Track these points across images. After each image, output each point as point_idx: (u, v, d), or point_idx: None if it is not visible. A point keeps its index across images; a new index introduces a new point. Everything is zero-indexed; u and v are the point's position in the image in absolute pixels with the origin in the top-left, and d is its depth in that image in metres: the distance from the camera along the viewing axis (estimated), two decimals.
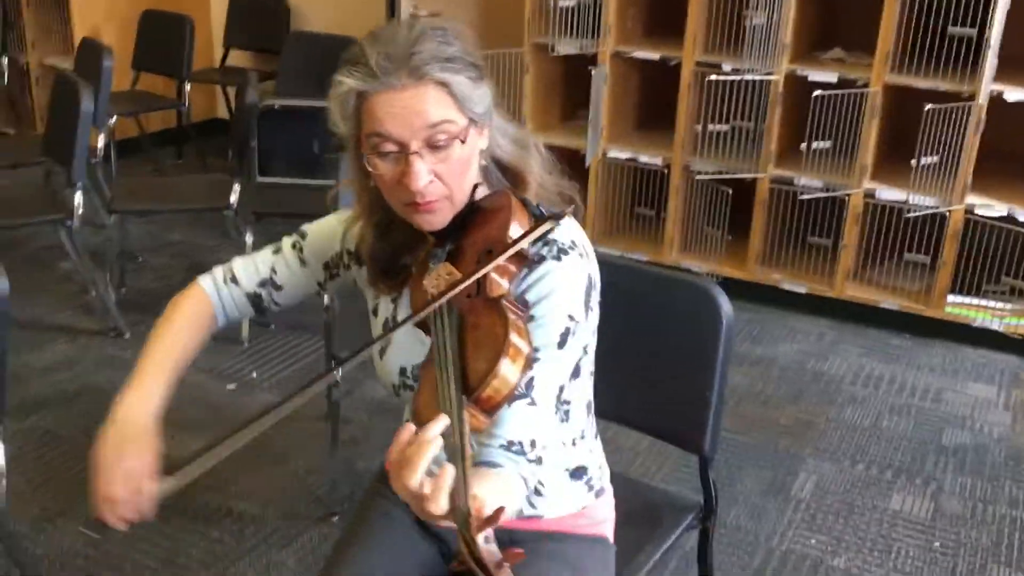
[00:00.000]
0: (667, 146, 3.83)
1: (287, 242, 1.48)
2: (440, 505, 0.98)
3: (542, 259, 1.26)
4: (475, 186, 1.28)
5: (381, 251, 1.34)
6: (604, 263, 1.73)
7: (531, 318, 1.23)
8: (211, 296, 1.46)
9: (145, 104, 5.02)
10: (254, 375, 3.15)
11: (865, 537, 2.48)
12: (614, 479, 1.80)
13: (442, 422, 1.03)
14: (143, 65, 5.05)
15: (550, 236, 1.26)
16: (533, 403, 1.21)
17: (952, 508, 2.61)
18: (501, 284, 1.20)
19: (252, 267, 1.47)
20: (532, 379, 1.21)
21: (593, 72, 3.63)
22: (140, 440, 1.29)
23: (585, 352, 1.38)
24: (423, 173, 1.20)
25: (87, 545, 2.33)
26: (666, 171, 3.85)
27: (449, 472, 0.99)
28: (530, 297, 1.24)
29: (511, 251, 1.17)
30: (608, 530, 1.53)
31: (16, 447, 2.71)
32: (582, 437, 1.47)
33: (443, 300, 1.15)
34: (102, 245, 3.89)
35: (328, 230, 1.46)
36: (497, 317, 1.15)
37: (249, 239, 3.32)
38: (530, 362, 1.14)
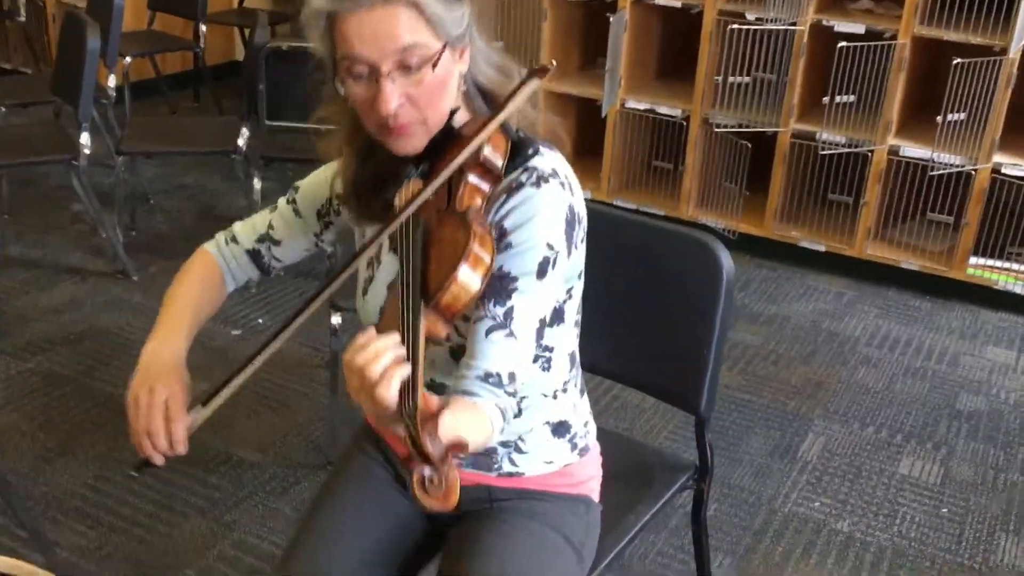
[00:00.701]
0: (686, 97, 3.73)
1: (282, 200, 1.46)
2: (390, 391, 0.97)
3: (520, 185, 1.22)
4: (453, 111, 1.24)
5: (363, 178, 1.31)
6: (602, 214, 1.70)
7: (508, 245, 1.20)
8: (216, 258, 1.46)
9: (160, 45, 4.96)
10: (260, 321, 3.13)
11: (871, 501, 2.43)
12: (609, 436, 1.76)
13: (396, 337, 1.02)
14: (159, 5, 4.98)
15: (530, 163, 1.23)
16: (512, 335, 1.18)
17: (962, 474, 2.55)
18: (473, 200, 1.18)
19: (250, 225, 1.46)
20: (511, 309, 1.18)
21: (612, 19, 3.53)
22: (169, 375, 1.29)
23: (569, 296, 1.33)
24: (394, 96, 1.17)
25: (85, 487, 2.33)
26: (685, 123, 3.76)
27: (405, 366, 0.99)
28: (507, 224, 1.21)
29: (479, 138, 1.14)
30: (593, 489, 1.49)
31: (19, 387, 2.72)
32: (564, 390, 1.42)
33: (410, 210, 1.14)
34: (113, 186, 3.87)
35: (319, 180, 1.44)
36: (461, 228, 1.13)
37: (257, 184, 3.27)
38: (489, 273, 1.12)
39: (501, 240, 1.20)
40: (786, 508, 2.40)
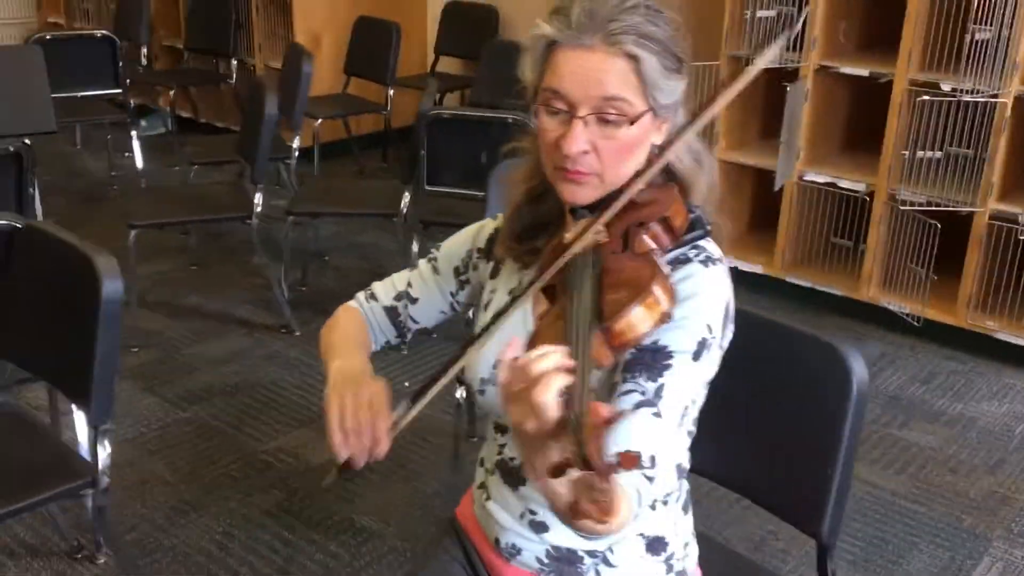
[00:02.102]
0: (871, 171, 3.48)
1: (422, 260, 1.46)
2: (546, 394, 0.89)
3: (688, 260, 1.19)
4: (636, 174, 1.18)
5: (523, 217, 1.28)
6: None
7: (667, 318, 1.11)
8: (360, 311, 1.45)
9: (350, 107, 5.17)
10: (406, 384, 3.13)
11: None
12: (724, 556, 1.61)
13: (561, 349, 0.94)
14: (354, 70, 5.21)
15: (700, 243, 1.21)
16: (658, 414, 1.11)
17: None
18: (652, 246, 1.15)
19: (389, 283, 1.46)
20: (663, 387, 1.12)
21: (789, 88, 3.34)
22: (368, 377, 1.24)
23: (693, 402, 1.21)
24: (580, 139, 1.15)
25: (212, 542, 2.37)
26: (868, 198, 3.50)
27: (564, 374, 0.91)
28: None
29: (657, 165, 1.13)
30: None
31: (172, 436, 2.83)
32: (664, 503, 1.30)
33: (586, 240, 1.10)
34: (297, 241, 4.03)
35: (461, 239, 1.43)
36: (645, 265, 1.10)
37: (415, 247, 3.31)
38: (665, 320, 1.08)
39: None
40: None
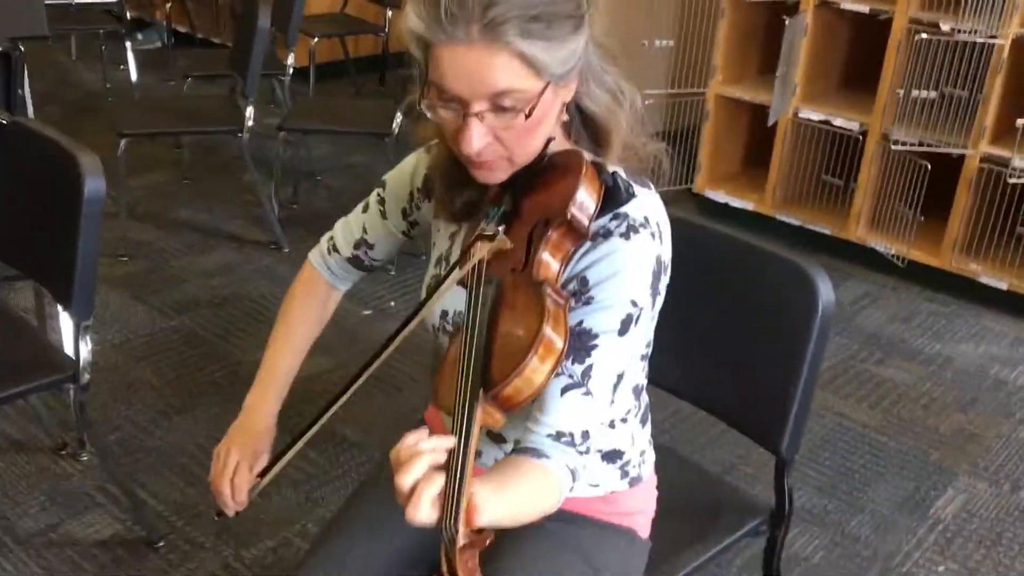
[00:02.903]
0: (866, 110, 3.47)
1: (373, 196, 1.43)
2: (420, 512, 0.92)
3: (608, 234, 1.14)
4: (549, 140, 1.15)
5: (451, 174, 1.24)
6: (695, 228, 1.57)
7: (590, 300, 1.12)
8: (321, 271, 1.49)
9: (348, 27, 5.12)
10: (392, 304, 3.16)
11: (1006, 575, 2.16)
12: (678, 463, 1.66)
13: (449, 441, 0.96)
14: None
15: (620, 210, 1.14)
16: (588, 393, 1.12)
17: None
18: (550, 265, 1.11)
19: (348, 231, 1.46)
20: (590, 368, 1.12)
21: (787, 22, 3.32)
22: (249, 442, 1.43)
23: (645, 344, 1.26)
24: (479, 136, 1.08)
25: (194, 445, 2.42)
26: (861, 138, 3.49)
27: (436, 481, 0.93)
28: (591, 277, 1.13)
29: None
30: (640, 524, 1.38)
31: (159, 343, 2.87)
32: (624, 420, 1.33)
33: (472, 266, 1.09)
34: (291, 160, 4.03)
35: (403, 173, 1.39)
36: (535, 304, 1.06)
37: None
38: (561, 359, 1.05)
39: (582, 293, 1.13)
40: (904, 568, 2.17)
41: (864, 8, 3.39)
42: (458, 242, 1.30)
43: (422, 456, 0.94)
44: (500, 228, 1.12)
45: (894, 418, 2.73)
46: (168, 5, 5.49)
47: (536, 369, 1.02)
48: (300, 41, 4.11)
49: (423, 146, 1.35)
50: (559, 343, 1.04)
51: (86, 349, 1.83)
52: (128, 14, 5.94)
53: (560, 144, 1.18)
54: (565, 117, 1.18)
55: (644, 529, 1.39)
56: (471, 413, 0.99)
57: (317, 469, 2.37)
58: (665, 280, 1.22)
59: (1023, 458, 2.58)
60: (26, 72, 4.01)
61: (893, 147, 3.39)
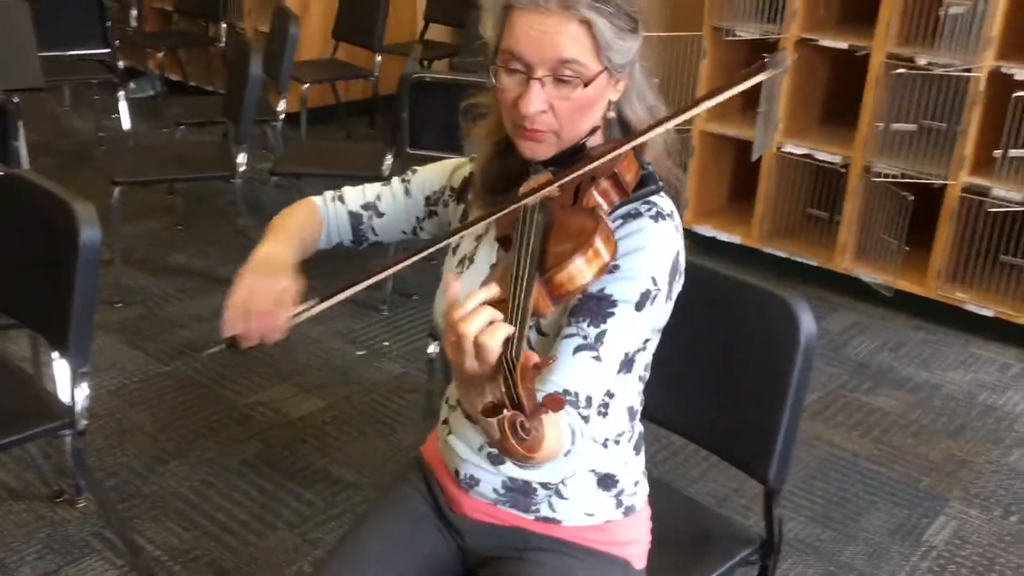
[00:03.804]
0: (848, 144, 3.53)
1: (396, 177, 1.50)
2: (492, 339, 0.96)
3: (638, 214, 1.23)
4: (592, 129, 1.26)
5: (492, 170, 1.33)
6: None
7: (615, 268, 1.19)
8: (320, 208, 1.48)
9: (338, 72, 5.19)
10: (386, 344, 3.19)
11: None
12: (669, 495, 1.68)
13: (494, 290, 1.02)
14: (342, 35, 5.23)
15: (651, 198, 1.25)
16: (599, 358, 1.18)
17: None
18: (601, 204, 1.19)
19: (360, 191, 1.50)
20: (604, 333, 1.18)
21: (767, 60, 3.37)
22: (281, 270, 1.31)
23: (643, 347, 1.29)
24: (538, 100, 1.19)
25: (190, 490, 2.43)
26: (844, 170, 3.55)
27: (504, 325, 0.98)
28: (619, 248, 1.19)
29: (626, 147, 1.18)
30: (634, 554, 1.40)
31: (153, 388, 2.89)
32: (616, 442, 1.36)
33: (538, 196, 1.16)
34: (284, 204, 4.06)
35: (438, 169, 1.48)
36: (588, 220, 1.14)
37: None
38: (606, 271, 1.13)
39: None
40: None
41: (843, 44, 3.47)
42: (484, 243, 1.35)
43: (488, 309, 0.99)
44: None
45: (885, 446, 2.75)
46: (161, 54, 5.56)
47: (581, 269, 1.09)
48: (291, 87, 4.17)
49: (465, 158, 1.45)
50: (606, 255, 1.11)
51: (82, 395, 1.85)
52: (121, 63, 6.02)
53: (597, 139, 1.28)
54: (611, 114, 1.27)
55: (639, 559, 1.41)
56: (529, 287, 1.04)
57: (312, 510, 2.38)
58: (678, 284, 1.29)
59: (1014, 484, 2.60)
60: (21, 123, 4.07)
61: (875, 179, 3.45)
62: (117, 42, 4.85)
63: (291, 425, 2.71)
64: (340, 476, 2.52)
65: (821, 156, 3.59)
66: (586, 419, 1.17)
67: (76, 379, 1.84)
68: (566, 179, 1.18)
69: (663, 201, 1.26)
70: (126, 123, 4.78)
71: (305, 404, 2.82)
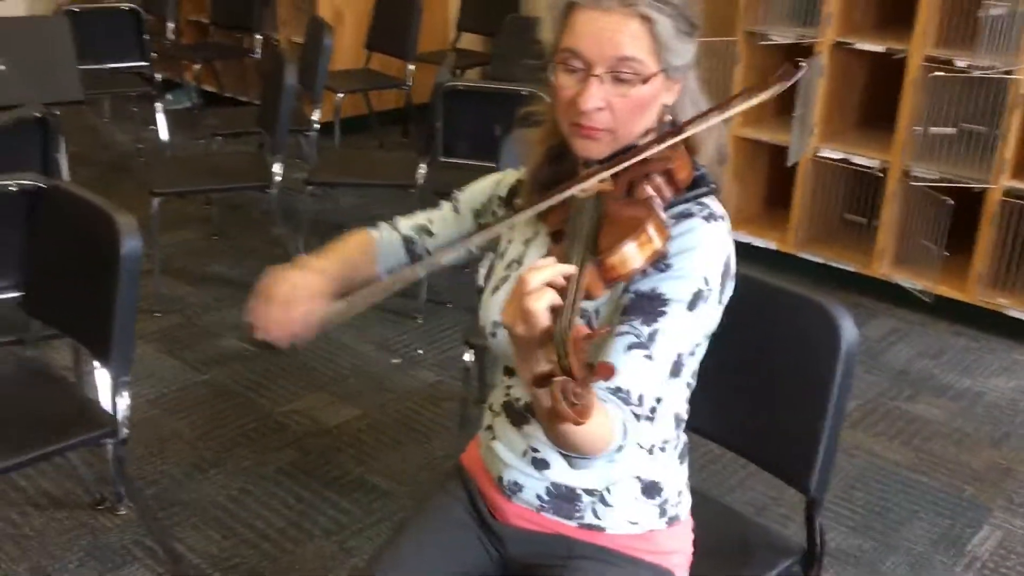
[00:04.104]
0: (885, 148, 3.49)
1: (446, 201, 1.52)
2: (537, 302, 0.99)
3: (690, 215, 1.24)
4: (646, 132, 1.27)
5: (542, 174, 1.35)
6: None
7: (668, 267, 1.20)
8: (375, 238, 1.51)
9: (372, 82, 5.22)
10: (420, 352, 3.20)
11: None
12: (709, 504, 1.66)
13: (565, 268, 1.04)
14: (375, 45, 5.25)
15: (703, 199, 1.26)
16: (650, 357, 1.18)
17: None
18: (652, 195, 1.21)
19: (411, 218, 1.53)
20: (656, 332, 1.18)
21: (803, 64, 3.35)
22: (312, 271, 1.38)
23: (692, 352, 1.28)
24: (596, 97, 1.21)
25: (228, 498, 2.45)
26: (882, 175, 3.51)
27: (554, 292, 1.01)
28: (671, 248, 1.21)
29: (677, 139, 1.20)
30: (677, 564, 1.39)
31: (191, 397, 2.91)
32: (662, 449, 1.35)
33: (590, 182, 1.18)
34: (319, 213, 4.10)
35: (484, 183, 1.49)
36: (641, 208, 1.16)
37: None
38: (657, 257, 1.14)
39: (661, 260, 1.20)
40: None
41: (880, 48, 3.43)
42: (533, 247, 1.36)
43: (551, 270, 1.02)
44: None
45: (926, 455, 2.71)
46: (197, 66, 5.62)
47: (634, 253, 1.10)
48: (325, 97, 4.20)
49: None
50: (658, 242, 1.13)
51: (124, 404, 1.87)
52: (158, 75, 6.10)
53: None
54: (663, 118, 1.27)
55: (682, 569, 1.40)
56: (583, 267, 1.06)
57: (350, 519, 2.39)
58: (729, 289, 1.29)
59: None
60: (62, 136, 4.13)
61: (914, 183, 3.41)
62: (154, 55, 4.92)
63: (327, 433, 2.73)
64: (376, 484, 2.52)
65: (858, 160, 3.56)
66: (637, 416, 1.16)
67: (117, 388, 1.86)
68: (619, 167, 1.20)
69: (715, 204, 1.27)
70: (164, 134, 4.84)
71: (341, 412, 2.84)
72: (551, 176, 1.33)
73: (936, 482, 2.59)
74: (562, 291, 1.02)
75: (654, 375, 1.18)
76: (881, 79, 3.64)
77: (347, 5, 5.40)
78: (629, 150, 1.25)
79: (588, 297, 1.09)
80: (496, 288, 1.38)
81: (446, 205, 1.50)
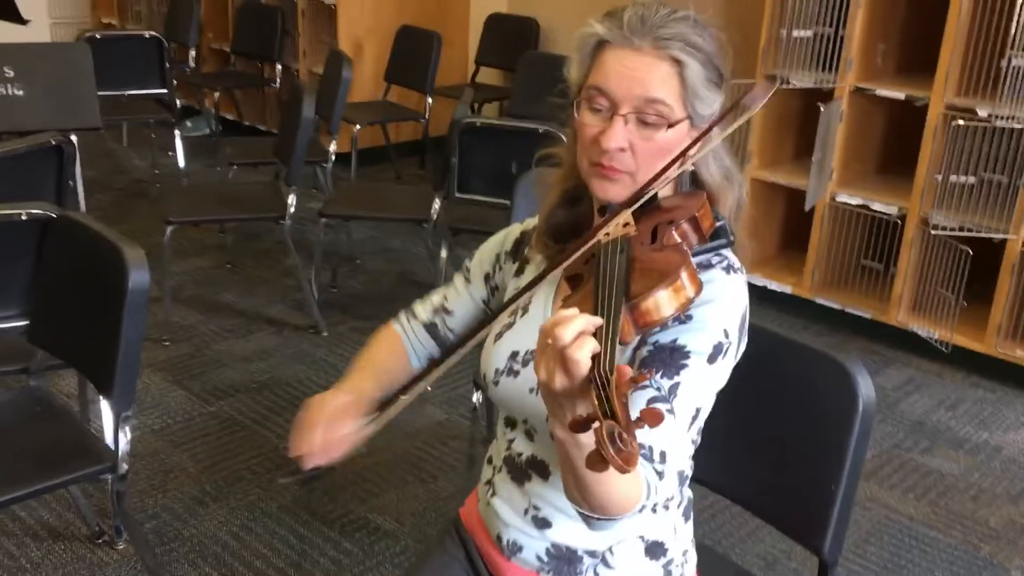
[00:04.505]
0: (904, 195, 3.46)
1: (458, 273, 1.51)
2: (580, 351, 0.93)
3: (710, 266, 1.22)
4: (662, 170, 1.23)
5: (557, 217, 1.33)
6: None
7: (688, 318, 1.18)
8: (400, 333, 1.50)
9: (390, 114, 5.24)
10: (428, 388, 3.16)
11: None
12: (719, 564, 1.61)
13: (595, 319, 0.98)
14: (394, 78, 5.27)
15: (722, 251, 1.24)
16: (672, 411, 1.14)
17: None
18: (679, 241, 1.18)
19: (427, 301, 1.51)
20: (677, 385, 1.15)
21: (822, 109, 3.34)
22: (347, 390, 1.36)
23: (700, 409, 1.23)
24: (619, 136, 1.19)
25: (229, 534, 2.41)
26: (900, 222, 3.48)
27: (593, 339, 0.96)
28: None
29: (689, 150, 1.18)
30: None
31: (197, 428, 2.88)
32: (666, 507, 1.31)
33: (615, 223, 1.14)
34: (332, 244, 4.10)
35: (490, 246, 1.47)
36: (675, 254, 1.13)
37: (444, 253, 3.34)
38: (685, 307, 1.10)
39: (681, 313, 1.16)
40: None
41: (900, 95, 3.41)
42: (540, 292, 1.31)
43: (582, 319, 0.96)
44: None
45: (942, 510, 2.65)
46: (216, 94, 5.66)
47: (667, 299, 1.07)
48: (342, 128, 4.21)
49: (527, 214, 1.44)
50: (690, 292, 1.09)
51: (125, 440, 1.84)
52: (178, 102, 6.14)
53: (668, 191, 1.27)
54: (690, 167, 1.25)
55: None
56: (617, 307, 1.02)
57: (351, 560, 2.35)
58: (744, 343, 1.26)
59: None
60: (78, 162, 4.15)
61: (933, 232, 3.37)
62: (175, 82, 4.95)
63: (331, 470, 2.69)
64: (379, 524, 2.48)
65: (876, 207, 3.52)
66: (660, 475, 1.13)
67: (119, 423, 1.83)
68: (638, 203, 1.18)
69: (733, 256, 1.25)
70: (181, 162, 4.86)
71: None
72: (566, 219, 1.31)
73: (952, 539, 2.53)
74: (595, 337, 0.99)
75: (675, 431, 1.15)
76: (901, 125, 3.62)
77: (367, 37, 5.43)
78: (651, 200, 1.23)
79: (620, 342, 1.05)
80: (500, 335, 1.35)
81: (458, 279, 1.48)
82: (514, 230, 1.45)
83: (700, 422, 1.28)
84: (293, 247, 3.55)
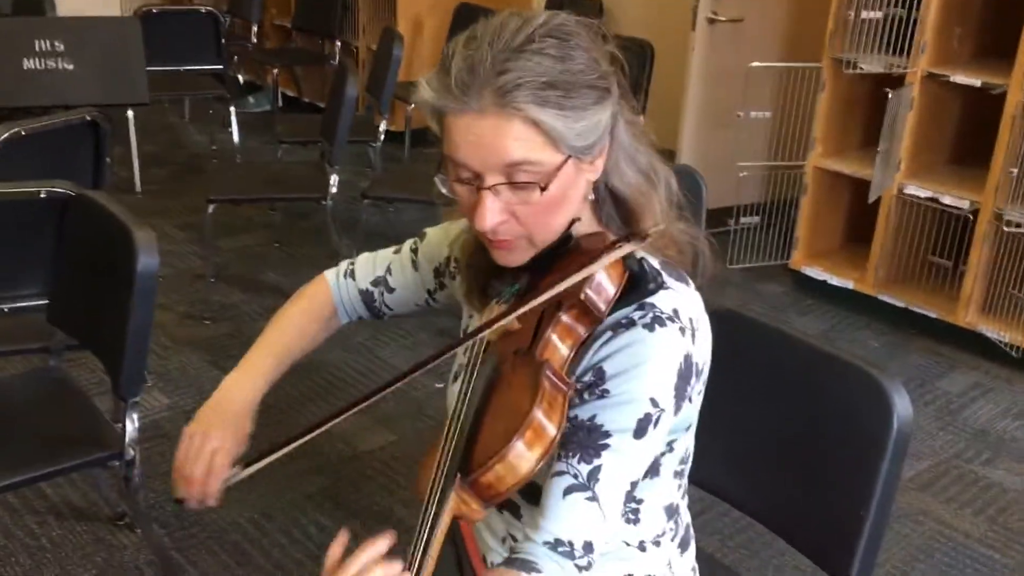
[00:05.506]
0: (977, 188, 3.25)
1: (408, 243, 1.38)
2: None
3: (631, 324, 1.04)
4: (574, 221, 1.07)
5: (479, 263, 1.17)
6: (761, 330, 1.45)
7: (605, 393, 1.02)
8: (333, 289, 1.40)
9: None
10: (437, 386, 3.08)
11: None
12: None
13: (386, 541, 0.94)
14: None
15: (647, 300, 1.05)
16: (594, 498, 1.01)
17: None
18: (557, 348, 1.03)
19: (371, 264, 1.39)
20: (598, 468, 1.02)
21: (890, 95, 3.15)
22: (229, 425, 1.28)
23: (670, 449, 1.14)
24: (493, 213, 1.02)
25: (249, 522, 2.37)
26: (972, 217, 3.27)
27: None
28: (608, 368, 1.03)
29: (543, 297, 0.99)
30: None
31: None
32: (656, 543, 1.21)
33: (476, 337, 1.06)
34: (377, 225, 4.04)
35: (443, 233, 1.33)
36: (530, 384, 0.97)
37: None
38: (551, 449, 0.96)
39: (597, 385, 1.03)
40: None
41: (976, 82, 3.20)
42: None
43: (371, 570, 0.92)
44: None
45: (1001, 528, 2.48)
46: (276, 71, 5.65)
47: (522, 455, 0.94)
48: (397, 107, 4.14)
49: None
50: (551, 431, 0.96)
51: (132, 427, 1.80)
52: (241, 78, 6.16)
53: (589, 227, 1.10)
54: (592, 196, 1.09)
55: None
56: (442, 499, 0.94)
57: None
58: (698, 386, 1.11)
59: None
60: (132, 134, 4.16)
61: (1006, 228, 3.17)
62: (236, 57, 4.94)
63: (358, 459, 2.63)
64: (402, 518, 2.41)
65: (947, 200, 3.32)
66: (588, 566, 1.02)
67: (127, 409, 1.79)
68: (516, 313, 1.01)
69: (663, 298, 1.06)
70: (236, 137, 4.85)
71: (375, 437, 2.74)
72: (487, 265, 1.14)
73: (1010, 559, 2.36)
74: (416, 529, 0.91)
75: (600, 517, 1.02)
76: (976, 115, 3.40)
77: (428, 14, 5.35)
78: (561, 243, 1.07)
79: (471, 520, 0.97)
80: (456, 375, 1.23)
81: (406, 254, 1.35)
82: (460, 236, 1.24)
83: (675, 459, 1.17)
84: (337, 228, 3.50)
